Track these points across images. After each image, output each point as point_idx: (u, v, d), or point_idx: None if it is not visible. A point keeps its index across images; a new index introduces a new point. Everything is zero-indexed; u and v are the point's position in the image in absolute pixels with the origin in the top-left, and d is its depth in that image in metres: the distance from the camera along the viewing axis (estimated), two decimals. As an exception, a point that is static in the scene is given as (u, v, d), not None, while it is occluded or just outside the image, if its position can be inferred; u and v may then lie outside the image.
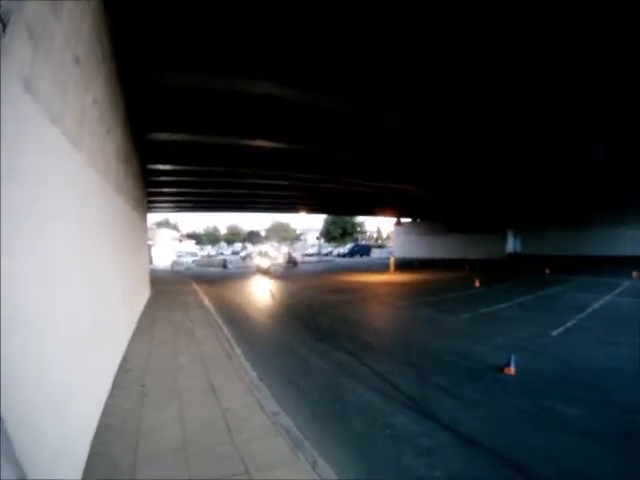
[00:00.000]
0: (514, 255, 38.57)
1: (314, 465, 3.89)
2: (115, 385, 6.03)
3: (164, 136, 13.92)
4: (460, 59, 9.11)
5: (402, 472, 4.06)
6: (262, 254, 38.56)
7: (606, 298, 15.09)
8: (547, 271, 25.96)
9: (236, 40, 8.32)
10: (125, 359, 7.44)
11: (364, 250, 65.66)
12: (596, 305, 13.55)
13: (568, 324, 10.58)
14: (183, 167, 19.20)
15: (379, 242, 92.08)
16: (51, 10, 2.81)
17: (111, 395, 5.62)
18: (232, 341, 9.11)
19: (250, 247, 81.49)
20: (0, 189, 2.02)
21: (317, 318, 12.38)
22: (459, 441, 4.64)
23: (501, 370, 7.02)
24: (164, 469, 3.79)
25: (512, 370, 6.92)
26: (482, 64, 9.29)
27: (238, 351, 8.28)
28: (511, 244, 40.09)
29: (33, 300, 2.67)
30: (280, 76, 9.72)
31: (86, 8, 3.79)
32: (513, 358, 7.06)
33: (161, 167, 18.63)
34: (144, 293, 15.08)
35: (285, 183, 24.65)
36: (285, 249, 58.85)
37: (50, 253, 3.10)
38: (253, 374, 6.80)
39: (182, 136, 14.14)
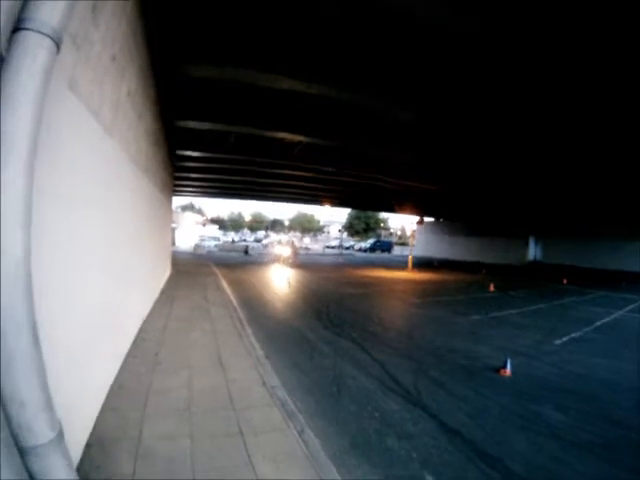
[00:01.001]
0: (534, 263, 38.13)
1: (301, 433, 4.34)
2: (131, 352, 6.59)
3: (192, 124, 14.39)
4: (489, 59, 9.26)
5: (383, 451, 4.44)
6: (283, 243, 39.08)
7: (619, 313, 15.07)
8: (565, 281, 25.76)
9: (260, 37, 8.75)
10: (142, 330, 8.02)
11: (385, 246, 65.57)
12: (607, 319, 13.58)
13: (573, 335, 10.72)
14: (209, 154, 19.66)
15: (402, 240, 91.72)
16: (91, 21, 3.26)
17: (127, 360, 6.18)
18: (244, 321, 9.64)
19: (273, 235, 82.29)
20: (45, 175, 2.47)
21: (329, 307, 12.84)
22: (442, 431, 4.99)
23: (497, 371, 7.31)
24: (168, 425, 4.29)
25: (508, 372, 7.20)
26: (506, 62, 9.38)
27: (249, 331, 8.80)
28: (532, 251, 39.60)
29: (65, 267, 3.14)
30: (302, 72, 10.06)
31: (122, 15, 4.25)
32: (509, 361, 7.34)
33: (188, 153, 19.19)
34: (165, 272, 15.75)
35: (309, 175, 24.94)
36: (296, 239, 59.44)
37: (82, 228, 3.60)
38: (260, 352, 7.29)
39: (208, 125, 14.55)
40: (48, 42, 1.98)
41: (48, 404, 2.16)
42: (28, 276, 1.99)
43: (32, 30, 1.92)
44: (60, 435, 2.25)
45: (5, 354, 1.89)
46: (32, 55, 1.92)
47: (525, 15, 6.95)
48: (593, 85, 9.41)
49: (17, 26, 1.90)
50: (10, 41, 1.87)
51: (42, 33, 1.95)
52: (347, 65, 10.06)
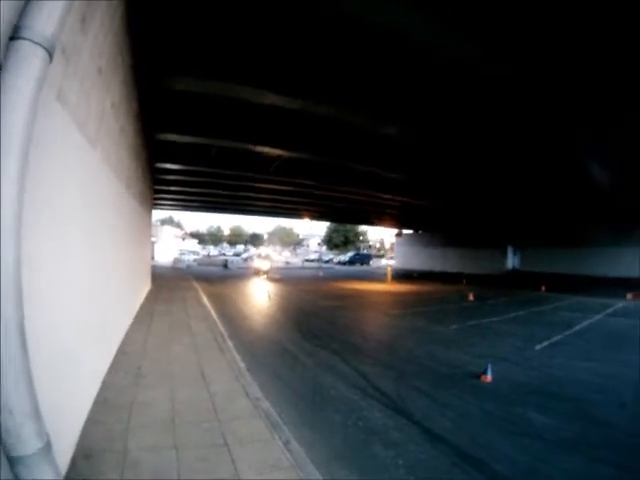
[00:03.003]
0: (513, 271, 38.67)
1: (287, 444, 4.33)
2: (113, 366, 6.49)
3: (173, 137, 14.42)
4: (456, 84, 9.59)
5: (369, 459, 4.46)
6: (262, 257, 38.95)
7: (597, 317, 15.44)
8: (543, 288, 26.26)
9: (243, 53, 8.88)
10: (124, 344, 7.90)
11: (364, 259, 66.19)
12: (585, 323, 13.92)
13: (553, 339, 10.94)
14: (189, 167, 19.69)
15: (381, 252, 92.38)
16: (80, 30, 3.29)
17: (110, 374, 6.08)
18: (225, 335, 9.56)
19: (252, 249, 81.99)
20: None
21: (309, 320, 12.84)
22: (426, 437, 5.03)
23: (478, 377, 7.38)
24: (152, 436, 4.25)
25: (489, 378, 7.27)
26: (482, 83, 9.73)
27: (230, 344, 8.73)
28: (511, 260, 40.22)
29: (47, 279, 3.10)
30: (284, 88, 10.21)
31: (110, 27, 4.29)
32: (490, 367, 7.42)
33: (168, 166, 19.17)
34: (145, 286, 15.54)
35: (290, 189, 25.09)
36: (276, 253, 59.71)
37: (65, 240, 3.58)
38: (241, 365, 7.25)
39: (189, 138, 14.61)
40: (42, 52, 2.02)
41: (36, 412, 2.15)
42: (18, 284, 2.00)
43: (28, 39, 1.97)
44: (48, 445, 2.24)
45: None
46: (27, 64, 1.96)
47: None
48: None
49: (14, 34, 1.94)
50: (8, 48, 1.91)
51: (37, 43, 2.00)
52: (329, 82, 10.25)
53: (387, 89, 10.82)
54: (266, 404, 5.47)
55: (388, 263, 60.75)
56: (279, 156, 17.88)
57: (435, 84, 10.30)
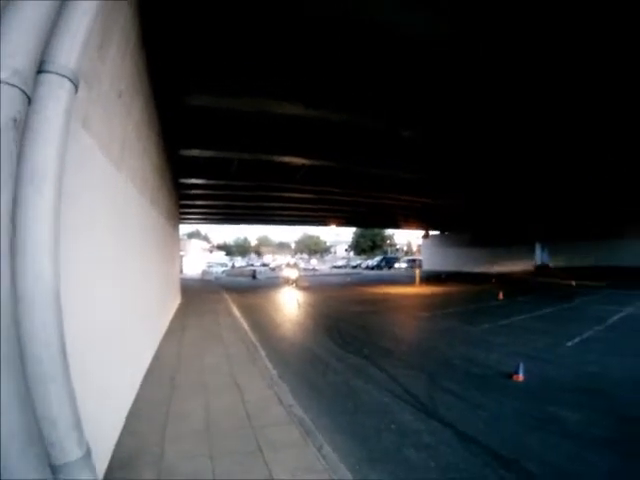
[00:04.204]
0: (542, 267, 37.90)
1: (320, 449, 4.38)
2: (147, 377, 6.68)
3: (195, 152, 14.72)
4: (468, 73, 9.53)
5: (401, 462, 4.46)
6: (290, 266, 39.15)
7: (629, 310, 14.99)
8: (573, 283, 25.66)
9: (262, 67, 9.06)
10: (157, 356, 8.12)
11: (392, 263, 65.81)
12: (617, 317, 13.53)
13: (585, 335, 10.67)
14: (213, 181, 20.02)
15: (408, 255, 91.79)
16: (99, 58, 3.46)
17: (143, 386, 6.26)
18: (257, 344, 9.70)
19: (279, 258, 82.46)
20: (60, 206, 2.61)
21: (340, 326, 12.83)
22: (458, 438, 4.99)
23: (510, 377, 7.28)
24: (188, 445, 4.36)
25: (520, 377, 7.17)
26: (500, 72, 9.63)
27: (262, 353, 8.86)
28: (539, 256, 39.44)
29: (80, 294, 3.23)
30: (304, 98, 10.34)
31: (126, 50, 4.48)
32: (522, 365, 7.31)
33: (192, 181, 19.54)
34: (175, 299, 15.85)
35: (315, 197, 25.22)
36: (303, 261, 60.04)
37: (96, 259, 3.74)
38: (274, 372, 7.35)
39: (212, 152, 14.89)
40: (68, 83, 2.16)
41: (77, 423, 2.26)
42: (58, 300, 2.12)
43: (54, 73, 2.10)
44: (88, 453, 2.34)
45: (40, 375, 2.01)
46: (55, 96, 2.10)
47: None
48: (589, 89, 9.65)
49: (40, 68, 2.06)
50: (35, 82, 2.04)
51: (63, 75, 2.13)
52: (346, 88, 10.31)
53: (406, 91, 10.80)
54: (299, 411, 5.53)
55: (401, 266, 60.68)
56: (302, 165, 18.03)
57: (454, 83, 10.23)
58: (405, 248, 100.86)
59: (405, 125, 12.72)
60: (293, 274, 33.19)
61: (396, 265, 64.53)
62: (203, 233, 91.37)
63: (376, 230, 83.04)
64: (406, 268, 57.86)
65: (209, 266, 49.77)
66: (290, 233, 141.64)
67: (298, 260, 55.89)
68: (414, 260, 63.47)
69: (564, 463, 4.34)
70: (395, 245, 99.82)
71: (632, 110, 10.88)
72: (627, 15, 6.99)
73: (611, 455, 4.50)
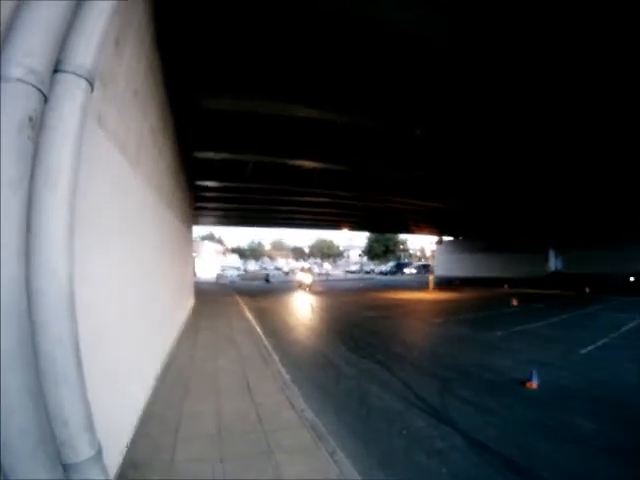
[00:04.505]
0: (555, 274, 37.39)
1: (332, 454, 4.32)
2: (160, 379, 6.69)
3: (209, 155, 14.81)
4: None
5: (412, 468, 4.40)
6: (304, 270, 39.15)
7: (643, 317, 14.77)
8: (587, 290, 25.36)
9: (277, 69, 9.08)
10: (170, 358, 8.13)
11: (405, 268, 65.79)
12: (632, 324, 13.36)
13: (599, 342, 10.54)
14: (227, 184, 20.11)
15: (422, 261, 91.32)
16: (114, 56, 3.48)
17: (156, 387, 6.26)
18: (269, 347, 9.67)
19: (293, 263, 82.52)
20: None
21: (353, 331, 12.79)
22: (470, 445, 4.92)
23: (523, 384, 7.19)
24: (199, 447, 4.35)
25: (534, 384, 7.07)
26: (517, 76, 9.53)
27: (274, 356, 8.83)
28: (553, 263, 38.95)
29: (94, 294, 3.23)
30: (318, 101, 10.34)
31: (142, 50, 4.51)
32: (535, 373, 7.20)
33: (207, 183, 19.66)
34: (188, 302, 15.91)
35: (326, 200, 25.21)
36: (317, 265, 60.12)
37: (111, 260, 3.75)
38: (286, 377, 7.31)
39: (226, 155, 14.95)
40: (84, 83, 2.17)
41: (89, 423, 2.25)
42: (72, 300, 2.12)
43: (70, 72, 2.11)
44: (99, 453, 2.34)
45: (53, 374, 2.01)
46: (72, 96, 2.11)
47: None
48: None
49: (56, 68, 2.07)
50: (51, 82, 2.04)
51: (79, 75, 2.14)
52: (357, 90, 10.29)
53: (409, 89, 10.71)
54: (311, 415, 5.48)
55: (412, 271, 60.50)
56: (314, 169, 18.03)
57: (456, 80, 10.14)
58: (419, 253, 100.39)
59: (404, 124, 12.61)
60: (307, 279, 33.19)
61: (405, 270, 64.59)
62: (217, 236, 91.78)
63: (389, 235, 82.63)
64: (415, 274, 57.79)
65: (223, 269, 49.84)
66: (304, 237, 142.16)
67: (312, 264, 55.79)
68: (424, 266, 63.39)
69: (578, 473, 4.26)
70: (408, 250, 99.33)
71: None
72: (627, 11, 6.89)
73: (627, 466, 4.41)
